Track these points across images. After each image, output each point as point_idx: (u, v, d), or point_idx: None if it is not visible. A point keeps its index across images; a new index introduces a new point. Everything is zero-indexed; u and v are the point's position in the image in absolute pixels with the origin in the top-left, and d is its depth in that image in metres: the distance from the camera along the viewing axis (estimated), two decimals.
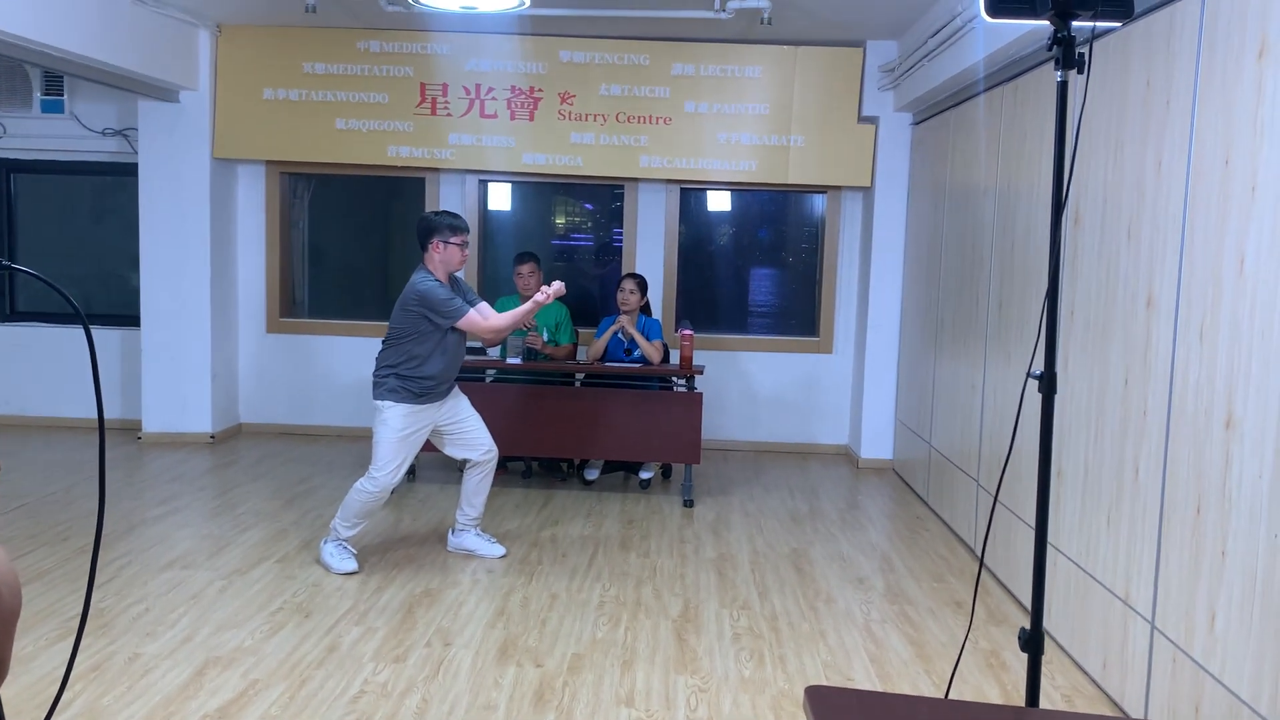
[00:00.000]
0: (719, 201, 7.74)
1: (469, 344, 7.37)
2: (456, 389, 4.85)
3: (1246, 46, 2.82)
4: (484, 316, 4.68)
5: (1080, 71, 2.11)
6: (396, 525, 5.40)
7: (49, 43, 5.30)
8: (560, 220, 7.98)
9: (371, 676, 3.54)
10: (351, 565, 4.61)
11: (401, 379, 4.55)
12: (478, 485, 4.90)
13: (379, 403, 4.58)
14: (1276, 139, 2.67)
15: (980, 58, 4.97)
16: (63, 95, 7.41)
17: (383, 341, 4.68)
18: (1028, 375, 2.30)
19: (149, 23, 6.28)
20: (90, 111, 7.52)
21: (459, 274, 4.83)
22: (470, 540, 4.94)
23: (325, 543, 4.69)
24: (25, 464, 6.44)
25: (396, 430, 4.55)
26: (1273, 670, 2.60)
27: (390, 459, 4.55)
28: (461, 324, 4.55)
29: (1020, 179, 4.67)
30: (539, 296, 4.61)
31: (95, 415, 7.63)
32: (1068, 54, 2.10)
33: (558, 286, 4.62)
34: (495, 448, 4.90)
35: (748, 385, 7.61)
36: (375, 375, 4.63)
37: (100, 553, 4.75)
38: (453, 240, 4.59)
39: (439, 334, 4.57)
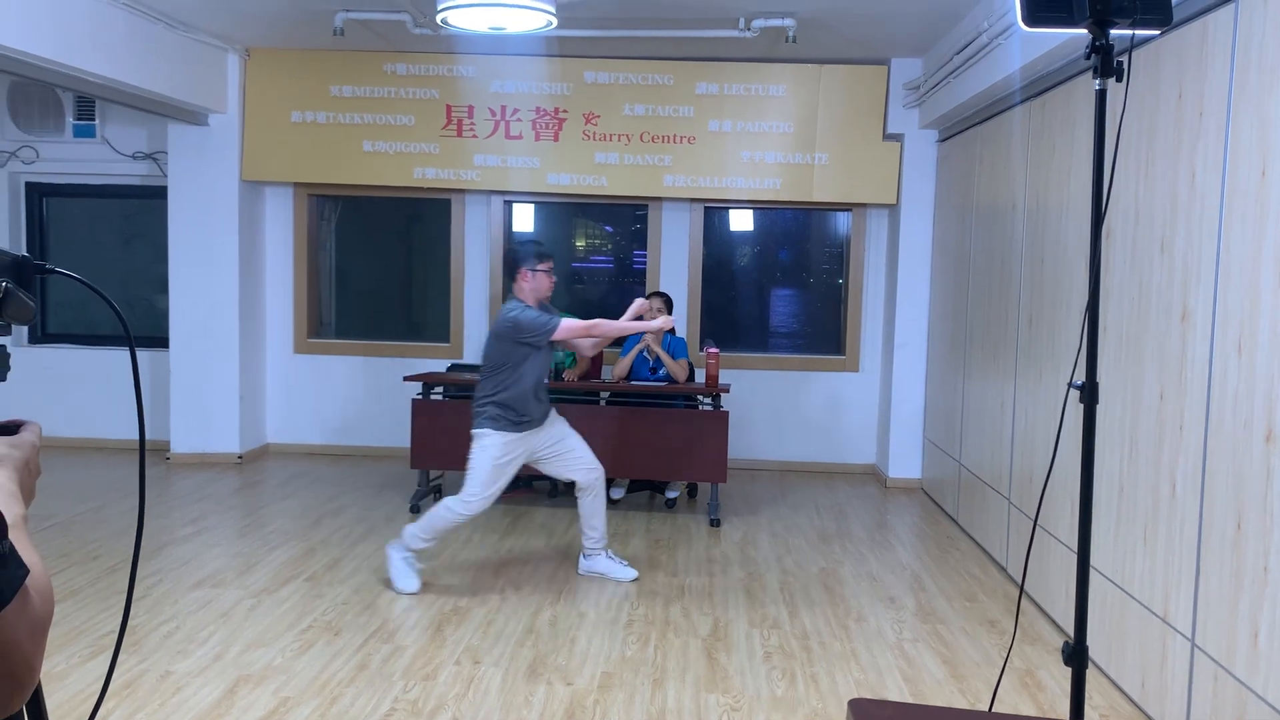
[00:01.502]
0: (742, 220, 7.75)
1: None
2: (554, 412, 4.84)
3: None
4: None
5: (1119, 80, 2.10)
6: None
7: (81, 67, 5.38)
8: (580, 243, 8.00)
9: (402, 694, 3.53)
10: (415, 585, 4.60)
11: (501, 407, 4.55)
12: (592, 507, 4.87)
13: (479, 430, 4.58)
14: None
15: (1006, 74, 4.96)
16: (94, 119, 7.51)
17: (479, 374, 4.69)
18: (1069, 386, 2.27)
19: (179, 47, 6.36)
20: (121, 135, 7.62)
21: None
22: (602, 563, 4.92)
23: (394, 548, 4.67)
24: (55, 484, 6.48)
25: (494, 457, 4.54)
26: None
27: (486, 484, 4.54)
28: (561, 333, 4.54)
29: (1049, 194, 4.65)
30: (657, 322, 4.91)
31: (123, 436, 7.71)
32: (1106, 62, 2.09)
33: (664, 320, 4.93)
34: (600, 466, 4.87)
35: (774, 404, 7.58)
36: (475, 405, 4.64)
37: (129, 571, 4.78)
38: (539, 268, 4.61)
39: (533, 360, 4.57)
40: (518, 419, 4.57)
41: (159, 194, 7.46)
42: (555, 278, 4.72)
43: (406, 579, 4.61)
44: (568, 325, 4.56)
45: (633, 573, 4.90)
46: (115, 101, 6.19)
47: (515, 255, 4.68)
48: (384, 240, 8.05)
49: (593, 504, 4.87)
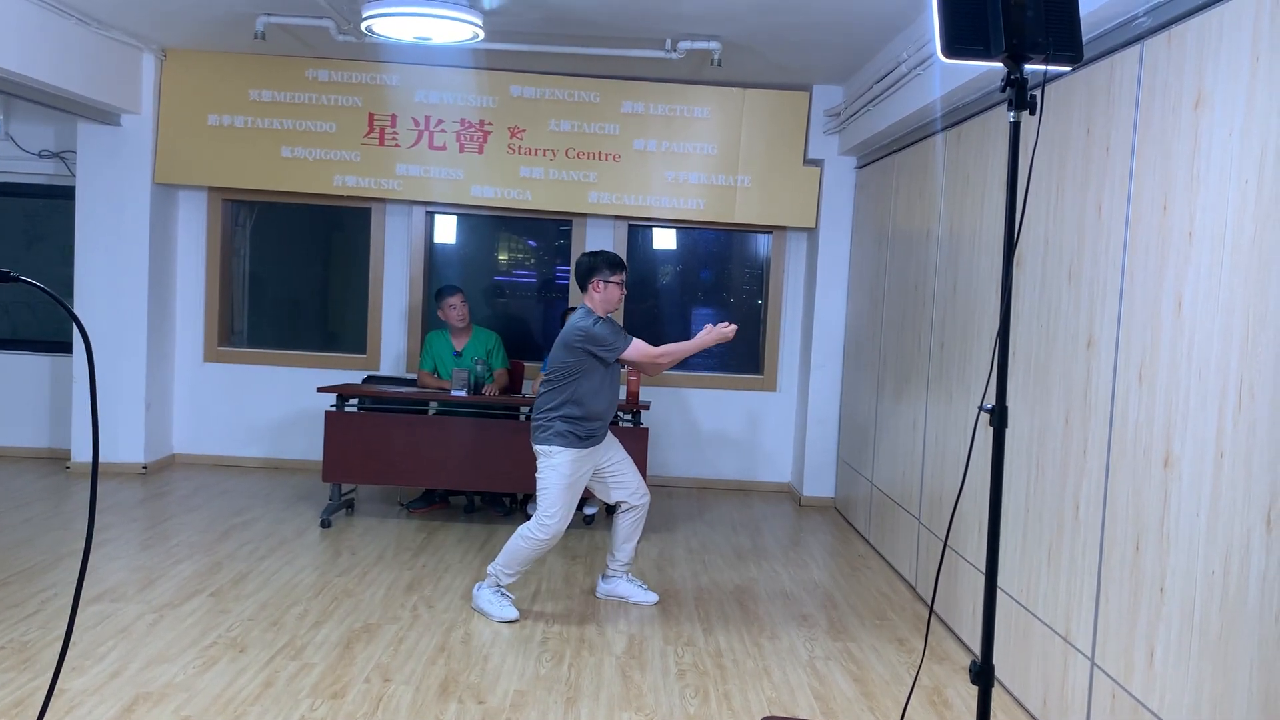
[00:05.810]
0: (665, 239, 7.79)
1: (404, 375, 7.30)
2: (610, 433, 4.75)
3: (1184, 96, 2.92)
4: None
5: (1032, 113, 2.17)
6: (335, 559, 5.29)
7: None
8: (503, 256, 7.96)
9: (309, 713, 3.45)
10: (513, 613, 4.47)
11: (568, 422, 4.44)
12: (630, 530, 4.78)
13: (546, 448, 4.45)
14: (1212, 186, 2.76)
15: (924, 104, 5.09)
16: None
17: (542, 384, 4.57)
18: (979, 409, 2.33)
19: (92, 44, 6.18)
20: (27, 132, 7.36)
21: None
22: (623, 587, 4.84)
23: (481, 588, 4.57)
24: None
25: (565, 475, 4.44)
26: (1210, 705, 2.65)
27: (560, 505, 4.43)
28: (629, 353, 4.46)
29: (963, 222, 4.77)
30: (729, 329, 4.43)
31: (17, 444, 7.43)
32: (1020, 95, 2.16)
33: (729, 328, 4.44)
34: (648, 491, 4.80)
35: (692, 422, 7.63)
36: (537, 419, 4.51)
37: (24, 585, 4.59)
38: (612, 279, 4.55)
39: (601, 372, 4.49)
40: (586, 434, 4.47)
41: (66, 194, 7.22)
42: (626, 290, 4.66)
43: (503, 608, 4.49)
44: (639, 348, 4.49)
45: (654, 596, 4.85)
46: (22, 98, 5.98)
47: (589, 264, 4.57)
48: (301, 248, 7.90)
49: (633, 527, 4.78)
